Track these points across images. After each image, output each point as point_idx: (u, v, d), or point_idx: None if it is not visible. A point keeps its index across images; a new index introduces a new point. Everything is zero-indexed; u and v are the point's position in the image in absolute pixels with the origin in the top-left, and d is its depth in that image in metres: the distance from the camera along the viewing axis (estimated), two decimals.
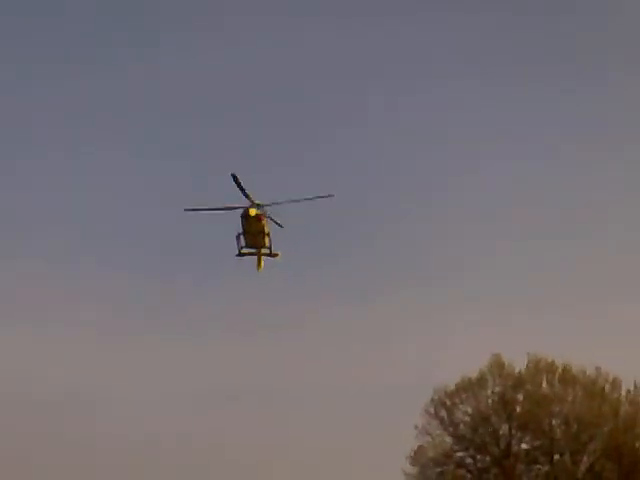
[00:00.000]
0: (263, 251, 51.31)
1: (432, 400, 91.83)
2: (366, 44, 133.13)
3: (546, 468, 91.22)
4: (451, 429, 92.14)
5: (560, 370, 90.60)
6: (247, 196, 48.41)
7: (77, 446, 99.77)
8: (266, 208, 50.01)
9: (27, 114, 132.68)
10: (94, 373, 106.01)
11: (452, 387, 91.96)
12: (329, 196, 50.09)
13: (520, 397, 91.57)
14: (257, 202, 49.44)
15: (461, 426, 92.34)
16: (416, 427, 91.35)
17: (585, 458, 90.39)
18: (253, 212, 49.25)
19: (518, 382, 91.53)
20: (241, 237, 50.68)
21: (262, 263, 51.56)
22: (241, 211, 49.72)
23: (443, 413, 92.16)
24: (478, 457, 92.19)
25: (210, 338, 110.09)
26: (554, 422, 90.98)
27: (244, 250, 51.29)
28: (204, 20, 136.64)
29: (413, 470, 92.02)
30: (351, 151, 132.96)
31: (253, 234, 50.12)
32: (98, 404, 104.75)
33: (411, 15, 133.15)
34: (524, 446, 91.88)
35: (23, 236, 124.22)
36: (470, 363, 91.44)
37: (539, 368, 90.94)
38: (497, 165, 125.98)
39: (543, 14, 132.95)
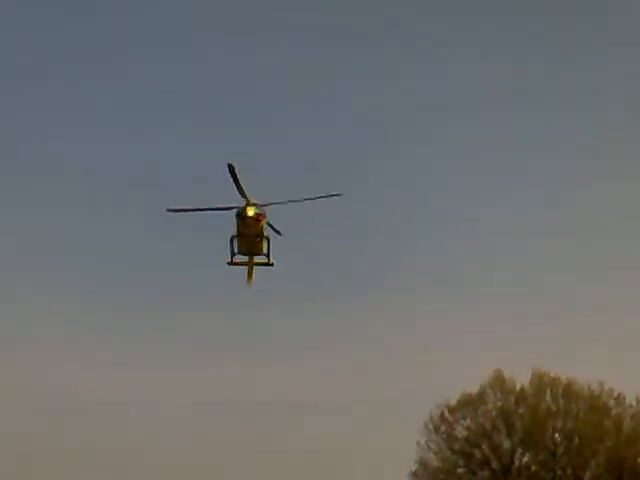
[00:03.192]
0: (257, 259, 39.71)
1: (433, 415, 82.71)
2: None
3: None
4: (452, 444, 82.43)
5: (563, 385, 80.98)
6: (242, 192, 37.01)
7: (76, 455, 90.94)
8: (264, 209, 38.32)
9: None
10: (92, 384, 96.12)
11: (453, 402, 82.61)
12: (335, 195, 38.76)
13: (522, 412, 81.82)
14: (253, 201, 37.80)
15: (462, 441, 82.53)
16: (418, 443, 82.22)
17: (588, 473, 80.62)
18: (251, 211, 37.62)
19: (520, 397, 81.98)
20: (234, 241, 39.00)
21: (254, 274, 39.99)
22: (235, 211, 38.05)
23: (444, 428, 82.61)
24: (479, 473, 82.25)
25: (207, 351, 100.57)
26: (557, 437, 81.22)
27: (237, 258, 39.51)
28: None
29: None
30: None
31: (249, 238, 38.48)
32: (96, 415, 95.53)
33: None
34: (526, 461, 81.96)
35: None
36: (471, 379, 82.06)
37: (542, 383, 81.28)
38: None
39: None
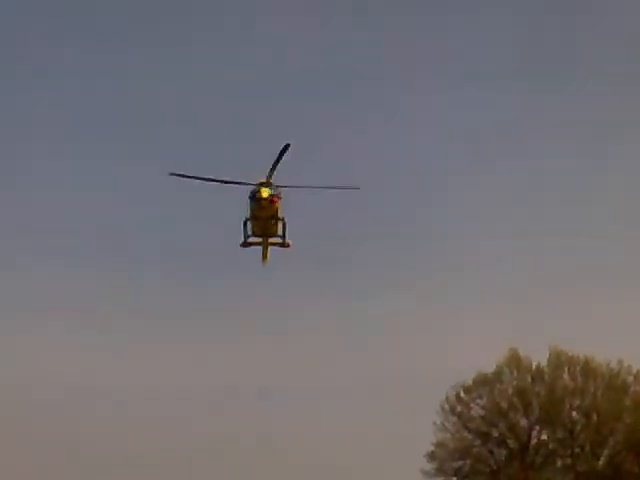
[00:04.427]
0: (272, 240, 36.93)
1: (449, 396, 79.55)
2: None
3: (566, 461, 78.51)
4: (469, 424, 79.40)
5: (581, 363, 77.82)
6: (272, 173, 34.31)
7: (75, 445, 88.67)
8: (279, 190, 35.19)
9: None
10: (93, 371, 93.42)
11: (469, 382, 79.41)
12: (355, 188, 36.82)
13: (538, 390, 78.71)
14: (271, 181, 34.77)
15: (479, 421, 79.50)
16: (434, 424, 79.11)
17: (606, 451, 77.67)
18: (265, 193, 34.61)
19: (537, 375, 78.87)
20: (248, 223, 36.06)
21: (268, 254, 37.36)
22: (248, 190, 34.93)
23: (460, 409, 79.49)
24: (497, 451, 79.35)
25: (211, 335, 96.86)
26: (574, 415, 78.16)
27: (251, 239, 36.70)
28: None
29: (431, 466, 79.28)
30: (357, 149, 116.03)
31: (263, 220, 35.59)
32: (98, 401, 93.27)
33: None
34: (543, 439, 79.04)
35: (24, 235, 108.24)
36: (486, 359, 79.05)
37: (560, 361, 78.05)
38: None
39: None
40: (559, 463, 78.91)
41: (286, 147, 33.17)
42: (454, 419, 79.26)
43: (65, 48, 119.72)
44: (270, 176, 34.54)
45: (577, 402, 77.97)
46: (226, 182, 34.95)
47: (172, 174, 34.70)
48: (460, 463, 79.16)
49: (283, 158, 33.66)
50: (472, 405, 79.48)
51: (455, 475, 79.13)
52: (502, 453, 79.09)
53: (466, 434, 79.42)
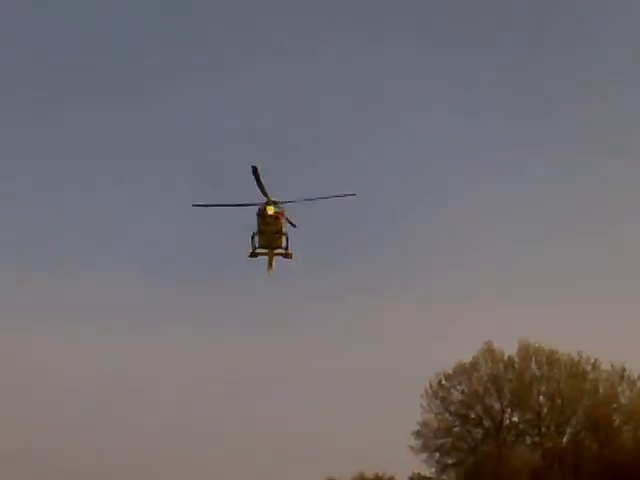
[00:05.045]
0: (277, 251, 40.75)
1: (432, 383, 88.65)
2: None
3: (534, 439, 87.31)
4: (450, 407, 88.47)
5: (547, 353, 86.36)
6: (264, 192, 38.14)
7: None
8: (282, 206, 39.82)
9: None
10: (91, 368, 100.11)
11: (450, 371, 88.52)
12: (349, 195, 39.56)
13: (510, 378, 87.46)
14: (273, 199, 39.21)
15: (458, 404, 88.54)
16: (421, 405, 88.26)
17: (568, 430, 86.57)
18: (270, 210, 39.00)
19: (508, 365, 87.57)
20: (256, 237, 40.37)
21: (274, 265, 40.94)
22: (255, 208, 39.46)
23: (442, 393, 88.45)
24: (474, 431, 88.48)
25: (213, 335, 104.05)
26: (541, 399, 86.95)
27: (258, 250, 40.64)
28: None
29: (417, 443, 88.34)
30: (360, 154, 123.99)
31: (269, 234, 40.01)
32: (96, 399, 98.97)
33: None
34: (514, 420, 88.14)
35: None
36: (465, 352, 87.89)
37: (528, 352, 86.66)
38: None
39: None
40: (528, 441, 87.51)
41: (254, 169, 36.66)
42: (437, 402, 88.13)
43: None
44: (268, 198, 38.59)
45: (543, 388, 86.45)
46: (242, 205, 39.37)
47: (195, 205, 39.18)
48: (442, 441, 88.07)
49: (261, 179, 37.05)
50: (452, 390, 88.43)
51: (438, 451, 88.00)
52: (478, 432, 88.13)
53: (447, 416, 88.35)
